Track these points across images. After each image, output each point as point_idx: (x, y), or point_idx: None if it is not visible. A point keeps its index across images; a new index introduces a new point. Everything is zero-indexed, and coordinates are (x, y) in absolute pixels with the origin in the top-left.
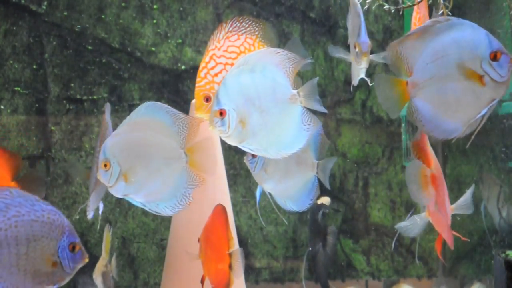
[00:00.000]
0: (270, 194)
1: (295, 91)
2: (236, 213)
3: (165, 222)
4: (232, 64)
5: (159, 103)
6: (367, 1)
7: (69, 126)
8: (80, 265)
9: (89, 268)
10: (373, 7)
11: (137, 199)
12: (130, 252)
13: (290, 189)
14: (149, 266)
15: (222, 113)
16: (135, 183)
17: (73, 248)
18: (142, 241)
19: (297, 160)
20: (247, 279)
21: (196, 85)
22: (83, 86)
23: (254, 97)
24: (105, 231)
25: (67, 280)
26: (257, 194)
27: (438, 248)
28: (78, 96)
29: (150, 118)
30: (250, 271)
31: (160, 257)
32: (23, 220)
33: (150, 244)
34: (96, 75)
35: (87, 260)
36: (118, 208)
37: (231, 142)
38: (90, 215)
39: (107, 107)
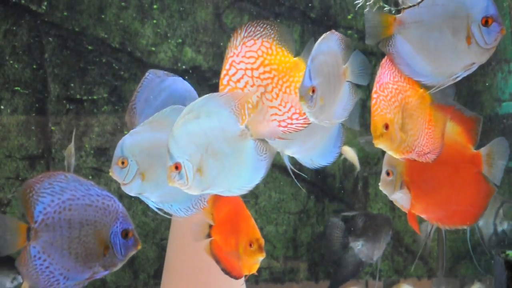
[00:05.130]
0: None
1: (243, 127)
2: None
3: (165, 222)
4: (252, 69)
5: (185, 107)
6: (368, 3)
7: (69, 126)
8: (132, 252)
9: None
10: (374, 9)
11: (151, 199)
12: None
13: (316, 145)
14: (149, 266)
15: (177, 167)
16: (152, 183)
17: (126, 234)
18: (142, 241)
19: None
20: (247, 279)
21: None
22: (83, 86)
23: (205, 142)
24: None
25: (118, 266)
26: (286, 160)
27: (414, 224)
28: (78, 96)
29: (173, 120)
30: None
31: (160, 257)
32: (77, 204)
33: (150, 244)
34: (96, 75)
35: (139, 247)
36: None
37: (194, 192)
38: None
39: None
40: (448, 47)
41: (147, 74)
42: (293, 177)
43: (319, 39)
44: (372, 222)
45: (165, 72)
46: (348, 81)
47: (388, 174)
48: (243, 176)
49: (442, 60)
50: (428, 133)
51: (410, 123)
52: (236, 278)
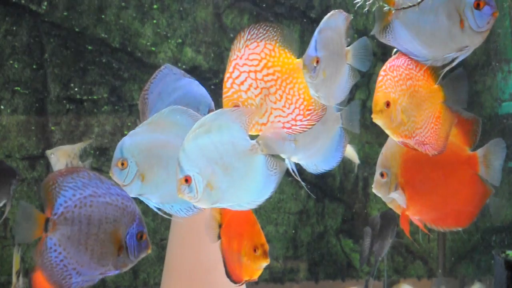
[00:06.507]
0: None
1: (253, 141)
2: None
3: (165, 222)
4: (255, 71)
5: (184, 107)
6: (367, 3)
7: (69, 126)
8: (143, 255)
9: None
10: (373, 9)
11: (151, 200)
12: None
13: (319, 150)
14: (149, 266)
15: (187, 180)
16: (152, 184)
17: (141, 237)
18: None
19: (322, 119)
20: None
21: (224, 95)
22: (83, 86)
23: (216, 156)
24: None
25: (129, 267)
26: (291, 167)
27: (406, 226)
28: (78, 96)
29: (172, 121)
30: None
31: (160, 257)
32: (98, 201)
33: (150, 244)
34: (96, 75)
35: (150, 251)
36: None
37: (203, 205)
38: None
39: None
40: (443, 31)
41: (162, 67)
42: (304, 186)
43: (328, 15)
44: (384, 221)
45: (182, 71)
46: (348, 64)
47: (382, 175)
48: (253, 190)
49: (437, 43)
50: (434, 128)
51: (415, 111)
52: (235, 282)
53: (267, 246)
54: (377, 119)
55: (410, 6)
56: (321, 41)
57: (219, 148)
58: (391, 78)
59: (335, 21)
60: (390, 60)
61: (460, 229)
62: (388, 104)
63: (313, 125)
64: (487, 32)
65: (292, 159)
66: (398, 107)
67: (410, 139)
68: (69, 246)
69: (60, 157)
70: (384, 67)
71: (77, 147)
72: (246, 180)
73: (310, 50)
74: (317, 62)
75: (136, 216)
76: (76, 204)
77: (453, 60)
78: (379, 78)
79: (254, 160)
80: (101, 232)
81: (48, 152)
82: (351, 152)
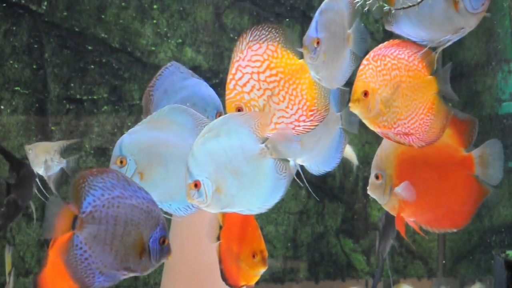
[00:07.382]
0: (299, 169)
1: (263, 145)
2: None
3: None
4: (258, 73)
5: (184, 106)
6: (368, 2)
7: (69, 126)
8: (164, 260)
9: None
10: (373, 8)
11: None
12: None
13: (320, 151)
14: None
15: (196, 185)
16: (150, 182)
17: (163, 241)
18: None
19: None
20: None
21: (227, 97)
22: (83, 86)
23: (225, 161)
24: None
25: (149, 271)
26: (298, 169)
27: (401, 228)
28: (78, 96)
29: (172, 119)
30: None
31: None
32: (125, 203)
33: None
34: (96, 75)
35: (170, 258)
36: None
37: (213, 210)
38: None
39: None
40: (440, 12)
41: (169, 64)
42: (309, 189)
43: None
44: (386, 221)
45: (190, 71)
46: (349, 48)
47: (377, 177)
48: (263, 194)
49: (434, 25)
50: (424, 119)
51: (399, 101)
52: (231, 286)
53: (266, 253)
54: (354, 108)
55: (410, 6)
56: (322, 23)
57: (228, 153)
58: (373, 68)
59: (337, 4)
60: (375, 49)
61: (455, 230)
62: (366, 94)
63: (316, 125)
64: (482, 13)
65: (297, 161)
66: (377, 97)
67: (390, 130)
68: (95, 245)
69: (38, 153)
70: (367, 56)
71: (59, 144)
72: (256, 184)
73: (311, 31)
74: (318, 43)
75: (160, 221)
76: (104, 204)
77: (447, 42)
78: (361, 67)
79: (263, 164)
80: (126, 234)
81: (26, 147)
82: (350, 153)
